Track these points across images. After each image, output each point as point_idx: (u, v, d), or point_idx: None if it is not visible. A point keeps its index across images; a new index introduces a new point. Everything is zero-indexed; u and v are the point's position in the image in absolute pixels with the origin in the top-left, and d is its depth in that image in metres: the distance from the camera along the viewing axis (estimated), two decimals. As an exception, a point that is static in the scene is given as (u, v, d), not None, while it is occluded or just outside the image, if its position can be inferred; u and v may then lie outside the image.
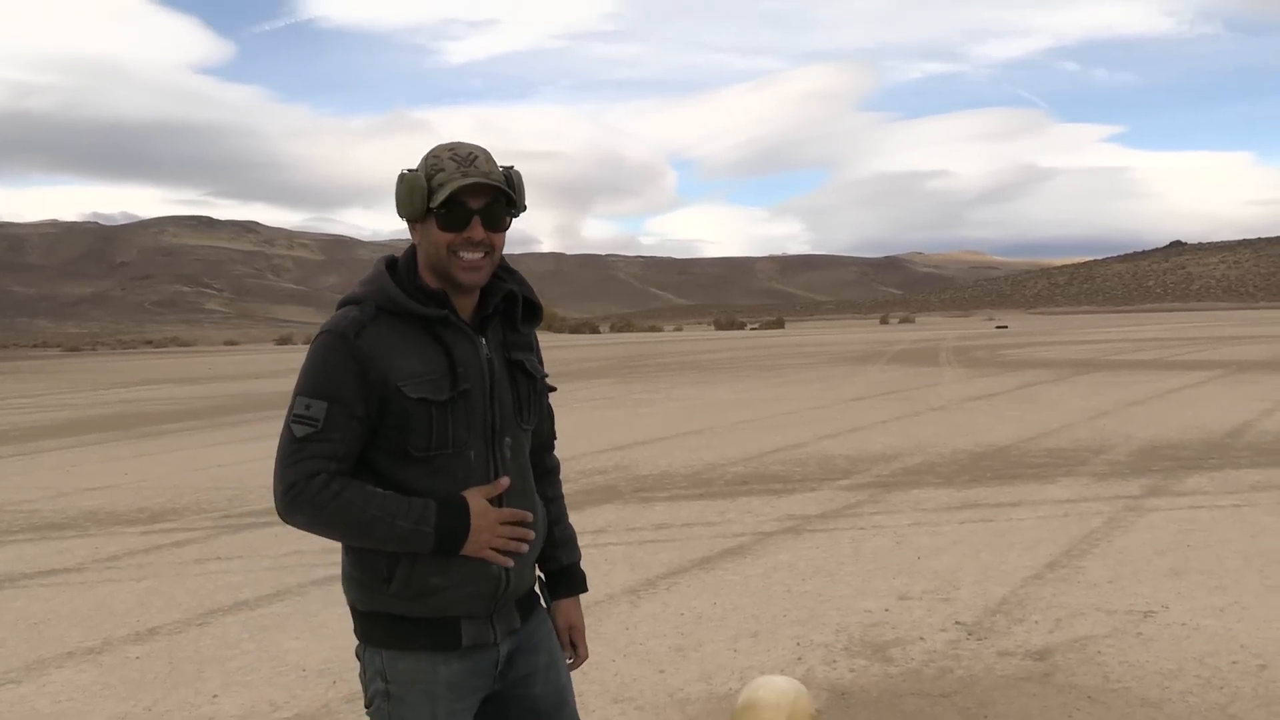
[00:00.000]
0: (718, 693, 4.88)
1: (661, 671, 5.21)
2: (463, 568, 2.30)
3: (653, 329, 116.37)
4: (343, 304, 2.36)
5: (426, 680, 2.32)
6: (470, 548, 2.27)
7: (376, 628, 2.34)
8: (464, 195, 2.28)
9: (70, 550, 8.56)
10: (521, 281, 2.52)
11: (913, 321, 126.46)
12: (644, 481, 10.97)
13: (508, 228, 2.37)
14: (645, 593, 6.63)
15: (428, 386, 2.27)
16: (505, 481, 2.31)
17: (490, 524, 2.30)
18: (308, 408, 2.24)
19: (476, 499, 2.30)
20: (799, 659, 5.31)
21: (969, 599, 6.28)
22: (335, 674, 5.29)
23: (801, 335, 72.97)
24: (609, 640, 5.69)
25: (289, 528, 2.38)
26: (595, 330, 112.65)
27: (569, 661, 2.64)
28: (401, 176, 2.33)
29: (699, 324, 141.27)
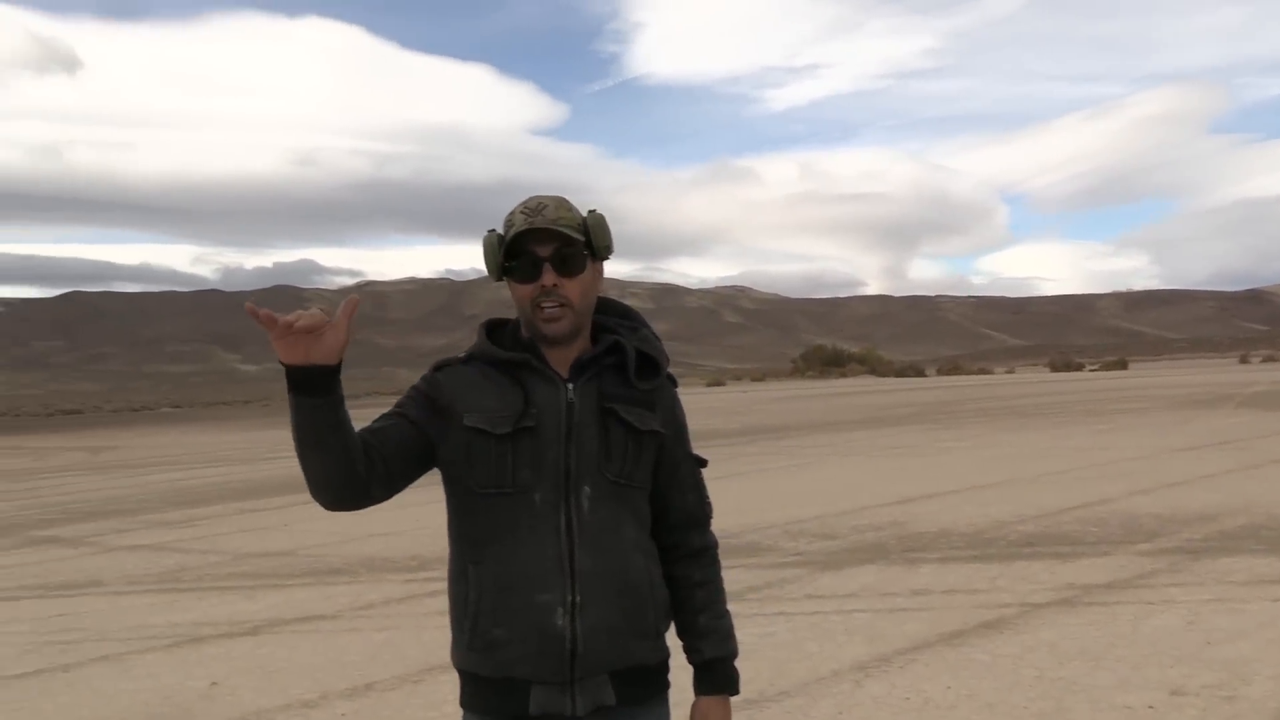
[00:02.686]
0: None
1: (862, 768, 4.64)
2: (521, 619, 2.19)
3: (981, 371, 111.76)
4: None
5: None
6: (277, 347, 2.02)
7: (463, 687, 2.31)
8: (529, 244, 2.28)
9: (334, 597, 8.86)
10: (645, 337, 2.39)
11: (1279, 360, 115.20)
12: (917, 540, 10.22)
13: (583, 271, 2.31)
14: (875, 670, 6.03)
15: (488, 420, 2.24)
16: (356, 299, 2.11)
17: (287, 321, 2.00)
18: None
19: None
20: (1026, 763, 4.60)
21: (1259, 699, 5.29)
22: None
23: (1145, 377, 67.89)
24: (817, 726, 5.16)
25: None
26: (920, 373, 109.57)
27: None
28: (484, 239, 2.34)
29: (1033, 366, 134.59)
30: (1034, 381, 67.53)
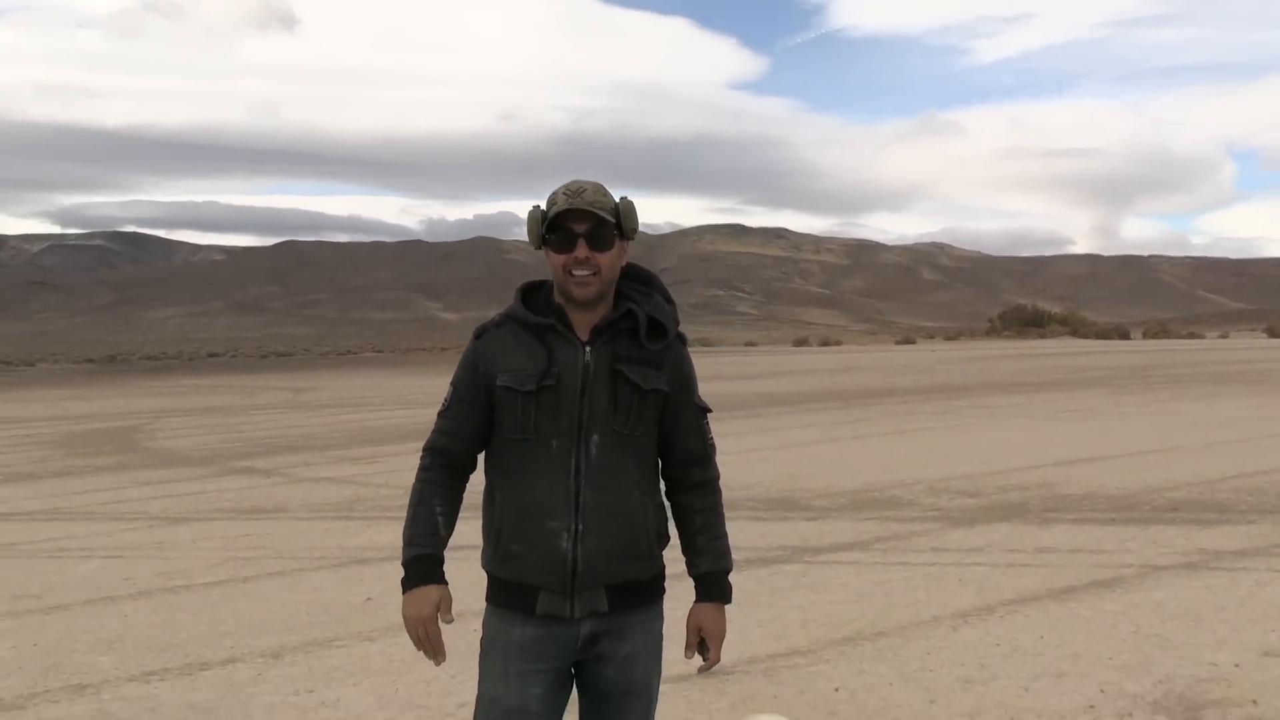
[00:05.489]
0: (974, 732, 4.53)
1: (932, 702, 4.92)
2: (535, 540, 2.66)
3: (1191, 335, 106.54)
4: None
5: (504, 639, 2.71)
6: (404, 617, 2.71)
7: (489, 585, 2.78)
8: (568, 220, 2.68)
9: (488, 530, 9.50)
10: (658, 304, 2.80)
11: None
12: (1060, 501, 10.23)
13: (611, 248, 2.71)
14: (975, 618, 6.24)
15: (517, 379, 2.68)
16: (443, 660, 2.74)
17: (413, 622, 2.69)
18: (448, 389, 2.83)
19: (423, 601, 2.68)
20: (1091, 707, 4.79)
21: (1352, 663, 5.30)
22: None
23: (1370, 345, 63.67)
24: (901, 664, 5.45)
25: None
26: (1125, 336, 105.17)
27: (702, 663, 2.83)
28: (529, 213, 2.74)
29: (1251, 330, 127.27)
30: (1244, 347, 64.18)
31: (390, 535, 9.36)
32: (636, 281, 2.83)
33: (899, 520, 9.47)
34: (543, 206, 2.74)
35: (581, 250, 2.66)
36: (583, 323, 2.72)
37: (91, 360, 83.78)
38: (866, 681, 5.22)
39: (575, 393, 2.67)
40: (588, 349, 2.69)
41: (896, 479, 11.96)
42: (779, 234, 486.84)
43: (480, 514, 2.79)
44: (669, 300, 2.84)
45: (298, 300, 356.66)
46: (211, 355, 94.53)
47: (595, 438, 2.67)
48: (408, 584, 2.70)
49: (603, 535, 2.67)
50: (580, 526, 2.65)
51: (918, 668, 5.41)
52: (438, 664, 2.73)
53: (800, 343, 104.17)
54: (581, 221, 2.66)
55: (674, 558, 2.84)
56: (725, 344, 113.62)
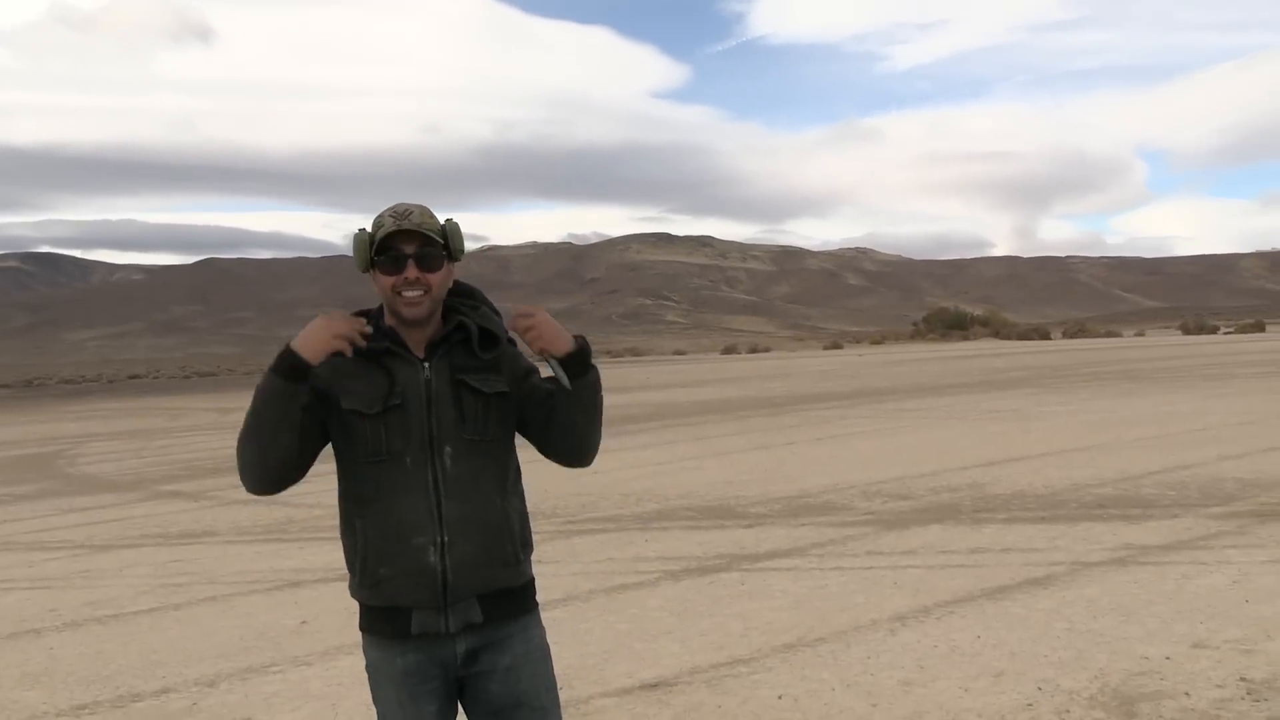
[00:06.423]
0: (917, 734, 4.58)
1: (874, 705, 4.97)
2: (401, 559, 2.67)
3: (1109, 334, 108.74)
4: None
5: (388, 668, 2.74)
6: (302, 345, 2.58)
7: (360, 614, 2.79)
8: (396, 242, 2.70)
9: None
10: (485, 314, 2.83)
11: None
12: (990, 502, 10.39)
13: (440, 269, 2.74)
14: (912, 621, 6.32)
15: (361, 402, 2.69)
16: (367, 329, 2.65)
17: (325, 324, 2.57)
18: None
19: (315, 324, 2.60)
20: (1029, 705, 4.87)
21: (1276, 653, 5.44)
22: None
23: (1280, 340, 65.43)
24: (842, 669, 5.50)
25: None
26: (1045, 336, 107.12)
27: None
28: (355, 236, 2.77)
29: (1167, 328, 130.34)
30: (1160, 345, 65.69)
31: (325, 557, 9.26)
32: (462, 296, 2.86)
33: (834, 525, 9.55)
34: (368, 229, 2.75)
35: (411, 271, 2.68)
36: (416, 340, 2.75)
37: (7, 385, 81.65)
38: (809, 688, 5.26)
39: (421, 409, 2.69)
40: (426, 365, 2.73)
41: (830, 484, 12.06)
42: (705, 242, 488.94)
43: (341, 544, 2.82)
44: (495, 311, 2.88)
45: (220, 319, 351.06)
46: (133, 377, 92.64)
47: (448, 449, 2.69)
48: (282, 354, 2.59)
49: (468, 544, 2.68)
50: (446, 538, 2.66)
51: (859, 672, 5.46)
52: (367, 330, 2.65)
53: (729, 350, 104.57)
54: (410, 243, 2.69)
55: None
56: (655, 353, 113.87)
